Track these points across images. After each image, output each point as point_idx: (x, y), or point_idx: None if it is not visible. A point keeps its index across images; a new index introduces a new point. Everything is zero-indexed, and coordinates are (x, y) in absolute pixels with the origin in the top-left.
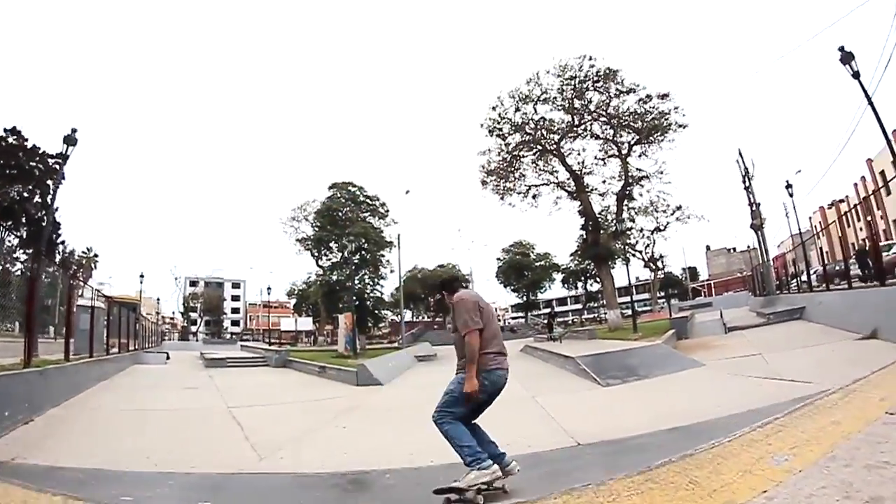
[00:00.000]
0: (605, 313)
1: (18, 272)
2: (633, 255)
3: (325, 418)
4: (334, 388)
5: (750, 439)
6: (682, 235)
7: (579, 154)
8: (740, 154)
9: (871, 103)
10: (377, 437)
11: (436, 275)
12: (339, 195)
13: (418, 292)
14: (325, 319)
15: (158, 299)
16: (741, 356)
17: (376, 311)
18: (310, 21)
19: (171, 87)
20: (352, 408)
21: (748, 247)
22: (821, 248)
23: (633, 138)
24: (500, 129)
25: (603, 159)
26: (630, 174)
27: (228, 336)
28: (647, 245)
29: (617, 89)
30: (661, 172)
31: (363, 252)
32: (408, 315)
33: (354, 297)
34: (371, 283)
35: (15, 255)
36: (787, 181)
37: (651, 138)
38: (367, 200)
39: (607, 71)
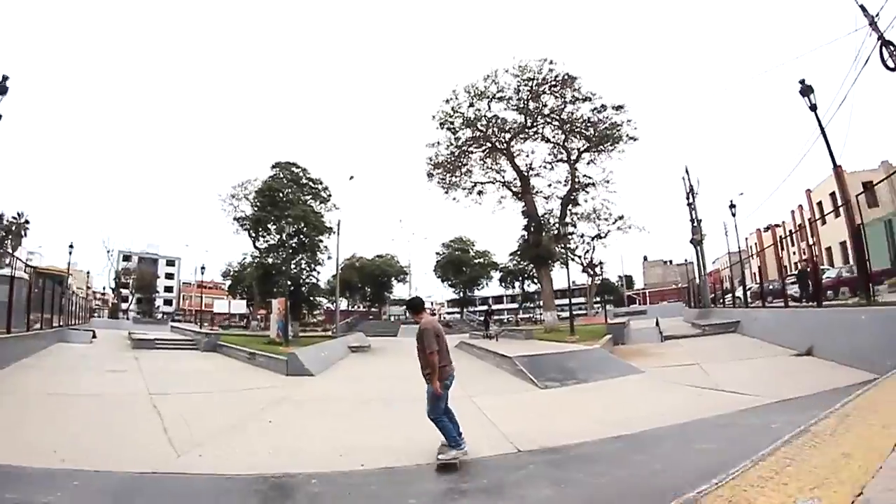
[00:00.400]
0: (541, 314)
1: None
2: (573, 260)
3: (250, 411)
4: (263, 377)
5: (759, 476)
6: (621, 244)
7: (528, 156)
8: (687, 171)
9: (824, 135)
10: (305, 433)
11: (374, 264)
12: (281, 175)
13: (355, 281)
14: (259, 304)
15: (88, 273)
16: (679, 365)
17: (311, 298)
18: None
19: (110, 48)
20: (280, 399)
21: (685, 260)
22: (759, 268)
23: (583, 145)
24: (452, 123)
25: (551, 163)
26: (577, 180)
27: (160, 316)
28: (587, 251)
29: (573, 96)
30: (608, 181)
31: (301, 236)
32: (343, 304)
33: (290, 282)
34: (308, 268)
35: None
36: (731, 201)
37: (601, 147)
38: (310, 183)
39: (566, 77)
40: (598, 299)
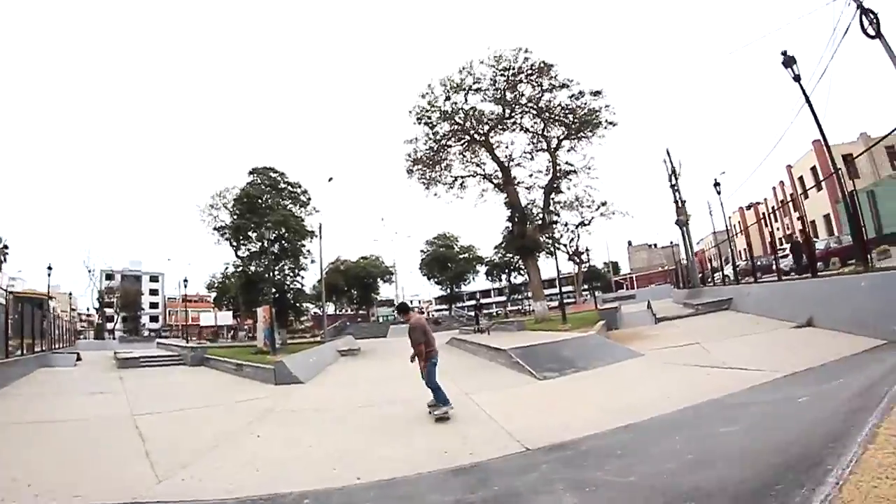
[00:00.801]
0: (531, 305)
1: None
2: (559, 249)
3: (238, 425)
4: (251, 389)
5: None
6: (605, 230)
7: (508, 147)
8: (668, 154)
9: (809, 104)
10: (295, 446)
11: (358, 266)
12: (259, 181)
13: (341, 284)
14: (245, 313)
15: (71, 294)
16: (678, 345)
17: (297, 304)
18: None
19: (82, 65)
20: (268, 411)
21: (671, 242)
22: (747, 244)
23: (562, 133)
24: (429, 118)
25: (531, 153)
26: (558, 168)
27: (147, 333)
28: (572, 239)
29: (550, 83)
30: (589, 168)
31: (283, 241)
32: (330, 308)
33: (274, 290)
34: (292, 274)
35: None
36: (716, 180)
37: (581, 134)
38: (289, 187)
39: (542, 65)
40: (585, 287)
